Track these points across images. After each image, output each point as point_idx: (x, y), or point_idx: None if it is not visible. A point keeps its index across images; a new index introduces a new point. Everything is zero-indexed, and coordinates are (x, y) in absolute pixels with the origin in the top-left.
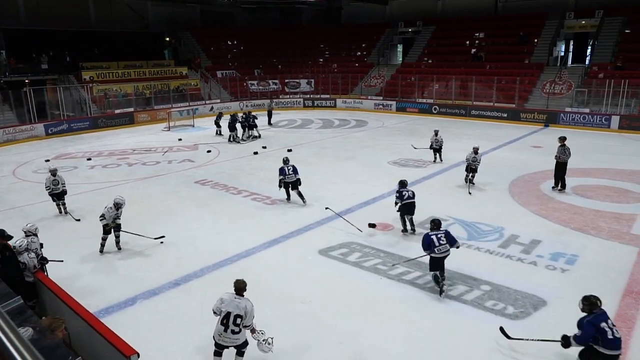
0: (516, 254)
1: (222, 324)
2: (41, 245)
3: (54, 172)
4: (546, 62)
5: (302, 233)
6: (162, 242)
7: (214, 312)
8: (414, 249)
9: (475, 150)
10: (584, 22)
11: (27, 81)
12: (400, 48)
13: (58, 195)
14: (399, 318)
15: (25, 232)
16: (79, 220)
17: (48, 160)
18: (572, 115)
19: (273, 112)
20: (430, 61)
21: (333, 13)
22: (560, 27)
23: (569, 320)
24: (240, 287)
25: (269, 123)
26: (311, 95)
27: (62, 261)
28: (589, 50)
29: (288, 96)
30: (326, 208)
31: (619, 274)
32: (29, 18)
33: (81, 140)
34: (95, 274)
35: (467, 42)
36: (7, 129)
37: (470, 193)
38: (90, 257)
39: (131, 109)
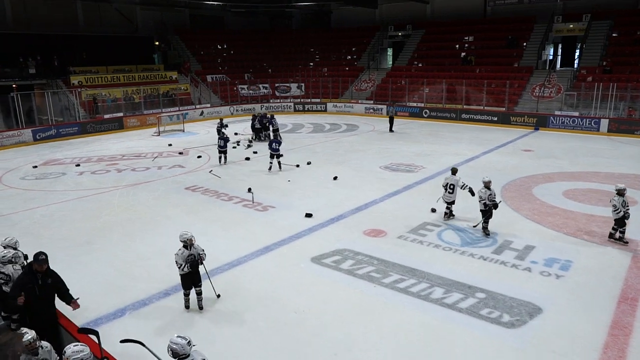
0: (510, 260)
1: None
2: (25, 256)
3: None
4: (535, 66)
5: (295, 240)
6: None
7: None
8: (409, 255)
9: (487, 185)
10: (572, 25)
11: (14, 86)
12: (390, 52)
13: None
14: (394, 327)
15: (4, 247)
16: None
17: (36, 167)
18: (562, 119)
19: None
20: (420, 65)
21: (323, 17)
22: (549, 31)
23: (566, 328)
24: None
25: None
26: (302, 100)
27: None
28: (577, 54)
29: (278, 100)
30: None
31: (614, 279)
32: (15, 22)
33: (69, 146)
34: (83, 283)
35: (457, 46)
36: None
37: (488, 235)
38: (76, 266)
39: (120, 114)
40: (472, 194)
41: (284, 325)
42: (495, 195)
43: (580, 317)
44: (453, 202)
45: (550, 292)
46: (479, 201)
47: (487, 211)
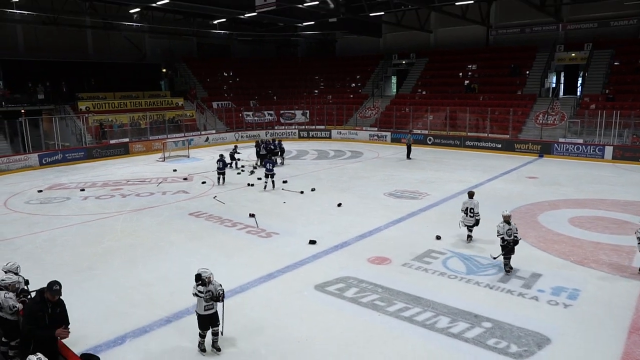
0: (517, 289)
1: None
2: (27, 281)
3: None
4: (538, 94)
5: (298, 267)
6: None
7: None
8: (413, 283)
9: (507, 219)
10: (574, 54)
11: (23, 111)
12: (394, 79)
13: None
14: (399, 357)
15: (5, 272)
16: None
17: (41, 191)
18: (566, 146)
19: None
20: (424, 92)
21: (328, 45)
22: (551, 59)
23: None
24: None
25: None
26: (306, 126)
27: None
28: (579, 82)
29: (283, 127)
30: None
31: (623, 309)
32: (27, 50)
33: (75, 170)
34: (83, 309)
35: (460, 74)
36: (1, 158)
37: (508, 272)
38: (78, 292)
39: (126, 140)
40: (477, 224)
41: (287, 354)
42: (516, 230)
43: (590, 348)
44: (475, 225)
45: (558, 321)
46: (497, 236)
47: (507, 247)
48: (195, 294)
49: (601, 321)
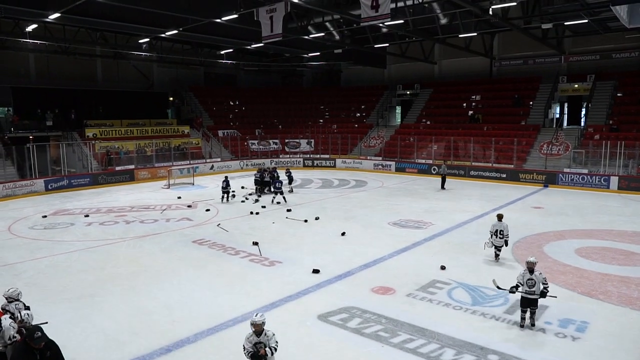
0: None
1: None
2: (27, 307)
3: None
4: (542, 124)
5: (301, 297)
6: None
7: None
8: (418, 314)
9: (531, 267)
10: (577, 85)
11: (31, 137)
12: (398, 109)
13: None
14: None
15: (7, 298)
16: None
17: (45, 217)
18: (571, 176)
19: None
20: (428, 122)
21: (333, 76)
22: (554, 90)
23: None
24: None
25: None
26: (311, 155)
27: (46, 322)
28: (583, 112)
29: (288, 156)
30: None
31: (634, 342)
32: (38, 77)
33: (80, 196)
34: (82, 336)
35: (464, 104)
36: (7, 184)
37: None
38: (78, 319)
39: (132, 166)
40: (506, 244)
41: None
42: (544, 279)
43: None
44: (504, 245)
45: (566, 355)
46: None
47: (529, 299)
48: (243, 346)
49: (612, 355)
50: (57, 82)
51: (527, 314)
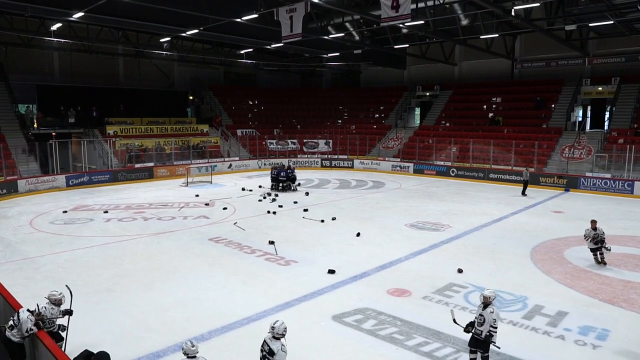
0: (542, 327)
1: None
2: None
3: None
4: (564, 127)
5: (316, 297)
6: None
7: None
8: (434, 317)
9: (485, 303)
10: (600, 88)
11: (54, 134)
12: (417, 111)
13: None
14: None
15: (52, 301)
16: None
17: (65, 212)
18: (593, 180)
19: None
20: (447, 124)
21: (352, 76)
22: (577, 93)
23: None
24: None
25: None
26: (329, 156)
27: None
28: (607, 116)
29: (306, 156)
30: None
31: None
32: (62, 75)
33: (100, 192)
34: (98, 332)
35: (485, 107)
36: (30, 179)
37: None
38: (94, 314)
39: (151, 164)
40: (608, 249)
41: None
42: (494, 320)
43: None
44: (601, 247)
45: None
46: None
47: (476, 339)
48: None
49: None
50: (80, 80)
51: (478, 358)
